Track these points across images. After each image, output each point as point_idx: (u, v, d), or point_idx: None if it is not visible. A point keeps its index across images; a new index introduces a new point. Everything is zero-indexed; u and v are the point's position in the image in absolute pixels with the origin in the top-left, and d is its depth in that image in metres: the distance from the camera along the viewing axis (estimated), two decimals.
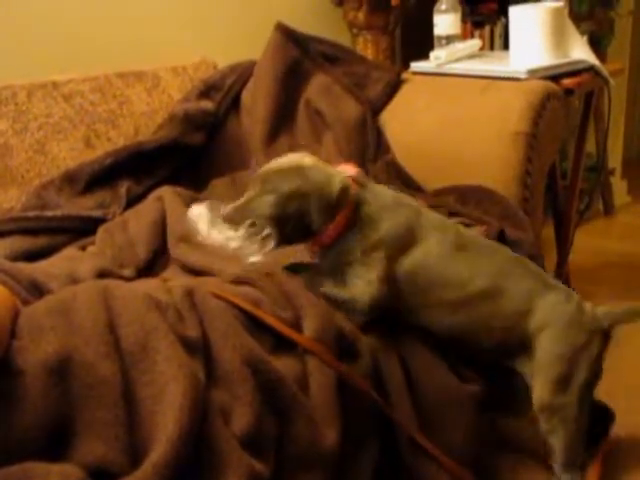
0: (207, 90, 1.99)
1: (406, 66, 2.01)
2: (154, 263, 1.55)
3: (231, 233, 1.16)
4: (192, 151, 1.91)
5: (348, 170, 1.23)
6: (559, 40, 1.81)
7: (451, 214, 1.49)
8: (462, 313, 1.19)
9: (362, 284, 1.16)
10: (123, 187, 1.76)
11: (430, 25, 2.03)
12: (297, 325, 1.12)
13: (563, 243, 2.16)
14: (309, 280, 1.20)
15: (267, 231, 1.15)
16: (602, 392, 1.23)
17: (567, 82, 1.76)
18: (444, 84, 1.85)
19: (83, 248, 1.59)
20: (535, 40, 1.80)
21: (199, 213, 1.19)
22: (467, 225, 1.40)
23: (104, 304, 1.00)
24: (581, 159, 2.18)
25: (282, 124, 1.91)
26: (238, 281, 1.19)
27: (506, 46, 2.01)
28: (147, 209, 1.67)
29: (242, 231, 1.15)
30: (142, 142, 1.84)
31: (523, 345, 1.20)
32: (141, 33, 2.12)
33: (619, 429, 1.30)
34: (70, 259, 1.50)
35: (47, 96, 1.81)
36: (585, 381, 1.18)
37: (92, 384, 0.91)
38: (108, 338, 0.96)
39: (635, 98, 3.72)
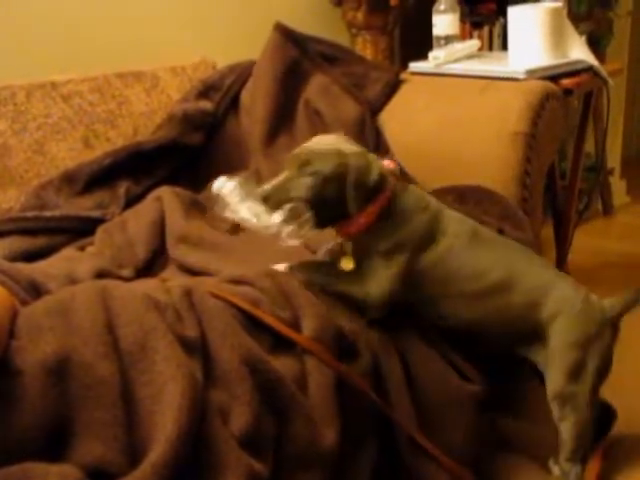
0: (206, 90, 1.99)
1: (405, 66, 2.01)
2: (153, 263, 1.55)
3: (262, 211, 1.13)
4: (191, 151, 1.91)
5: (386, 163, 1.23)
6: (558, 40, 1.81)
7: None
8: (480, 303, 1.21)
9: (379, 280, 1.17)
10: (122, 187, 1.76)
11: (429, 25, 2.03)
12: (296, 325, 1.12)
13: (562, 243, 2.17)
14: (323, 280, 1.20)
15: (306, 214, 1.12)
16: (604, 387, 1.24)
17: (566, 82, 1.77)
18: (443, 84, 1.85)
19: (82, 248, 1.59)
20: (534, 40, 1.80)
21: (228, 186, 1.16)
22: None
23: (103, 304, 1.00)
24: (580, 159, 2.19)
25: (281, 124, 1.91)
26: (237, 281, 1.19)
27: (505, 46, 2.01)
28: (146, 209, 1.66)
29: (281, 212, 1.12)
30: (141, 142, 1.84)
31: (536, 334, 1.21)
32: (140, 33, 2.12)
33: (620, 425, 1.31)
34: (69, 259, 1.50)
35: (46, 96, 1.81)
36: (597, 371, 1.19)
37: (91, 384, 0.91)
38: (107, 338, 0.95)
39: (634, 98, 3.73)
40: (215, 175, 1.88)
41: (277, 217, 1.12)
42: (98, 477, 0.87)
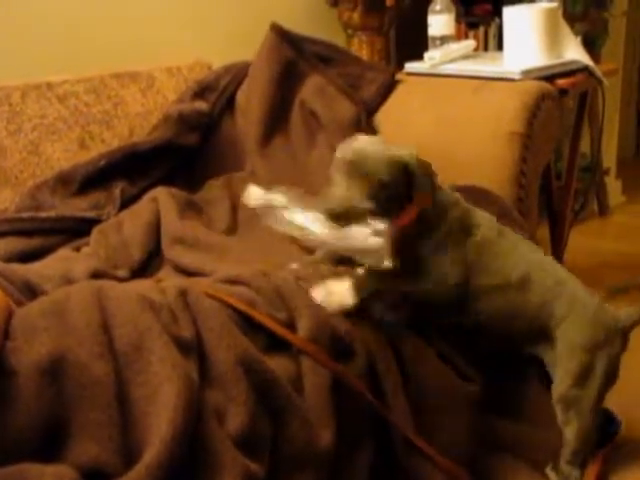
0: (201, 91, 1.99)
1: (400, 67, 2.01)
2: (148, 264, 1.54)
3: (317, 225, 1.09)
4: (186, 152, 1.91)
5: None
6: (553, 41, 1.82)
7: None
8: (502, 299, 1.21)
9: (445, 265, 1.16)
10: (117, 188, 1.76)
11: (424, 26, 2.03)
12: (292, 325, 1.12)
13: (558, 243, 2.17)
14: (387, 293, 1.19)
15: (380, 225, 1.08)
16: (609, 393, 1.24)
17: (561, 82, 1.77)
18: (438, 85, 1.85)
19: (77, 249, 1.59)
20: (529, 41, 1.80)
21: (270, 198, 1.12)
22: None
23: (98, 305, 1.00)
24: (576, 159, 2.19)
25: (277, 125, 1.91)
26: (232, 281, 1.19)
27: (500, 47, 2.01)
28: (141, 210, 1.66)
29: (355, 229, 1.07)
30: (136, 143, 1.84)
31: (546, 334, 1.21)
32: (135, 34, 2.12)
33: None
34: (64, 260, 1.49)
35: (41, 97, 1.81)
36: (603, 377, 1.19)
37: (86, 385, 0.91)
38: (102, 339, 0.95)
39: (629, 98, 3.74)
40: (211, 175, 1.90)
41: (346, 232, 1.08)
42: (93, 478, 0.87)
